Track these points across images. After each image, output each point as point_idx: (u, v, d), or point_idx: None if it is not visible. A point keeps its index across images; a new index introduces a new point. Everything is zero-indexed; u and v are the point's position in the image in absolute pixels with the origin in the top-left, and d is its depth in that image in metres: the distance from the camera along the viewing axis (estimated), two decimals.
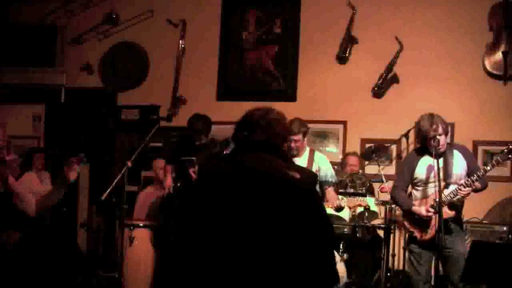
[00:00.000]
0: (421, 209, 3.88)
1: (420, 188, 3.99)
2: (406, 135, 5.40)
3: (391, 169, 5.61)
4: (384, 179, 4.90)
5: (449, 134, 4.09)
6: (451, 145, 4.04)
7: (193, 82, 6.27)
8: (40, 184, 5.84)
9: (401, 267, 5.10)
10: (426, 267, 3.95)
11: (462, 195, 3.81)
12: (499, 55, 5.40)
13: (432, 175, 3.89)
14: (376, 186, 5.13)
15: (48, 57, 6.58)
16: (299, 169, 2.21)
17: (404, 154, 5.60)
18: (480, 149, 5.37)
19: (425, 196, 3.93)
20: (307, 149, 4.61)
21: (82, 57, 6.62)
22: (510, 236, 4.69)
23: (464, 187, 3.78)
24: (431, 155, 3.90)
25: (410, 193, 4.13)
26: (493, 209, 5.17)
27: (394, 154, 5.71)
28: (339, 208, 4.44)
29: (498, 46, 5.44)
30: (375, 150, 5.21)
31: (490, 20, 5.47)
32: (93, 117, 6.51)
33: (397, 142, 5.55)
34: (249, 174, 2.12)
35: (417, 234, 3.96)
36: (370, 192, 4.94)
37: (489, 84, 5.51)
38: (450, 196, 3.83)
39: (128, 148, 6.09)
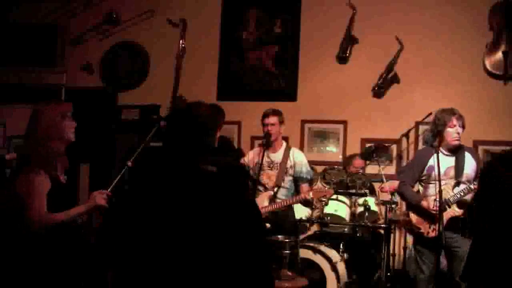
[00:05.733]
0: (430, 204, 3.90)
1: (429, 185, 4.01)
2: (406, 135, 5.42)
3: (391, 169, 5.62)
4: (384, 179, 4.90)
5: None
6: (462, 146, 4.06)
7: (193, 82, 6.27)
8: (49, 186, 5.85)
9: (401, 267, 5.10)
10: (430, 266, 3.96)
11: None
12: (499, 55, 5.40)
13: (443, 172, 3.93)
14: (376, 186, 5.14)
15: (48, 57, 6.57)
16: (219, 162, 2.23)
17: (404, 154, 5.61)
18: (480, 149, 5.37)
19: (434, 193, 3.93)
20: (284, 144, 4.63)
21: (82, 57, 6.61)
22: None
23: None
24: (443, 153, 3.94)
25: (418, 190, 4.15)
26: None
27: (394, 154, 5.71)
28: (306, 202, 4.46)
29: (498, 46, 5.44)
30: (375, 150, 5.20)
31: (490, 20, 5.47)
32: (93, 117, 6.50)
33: (397, 142, 5.56)
34: (166, 170, 2.18)
35: (423, 230, 3.99)
36: (371, 192, 4.94)
37: (489, 84, 5.51)
38: (460, 194, 3.86)
39: (128, 148, 6.07)
